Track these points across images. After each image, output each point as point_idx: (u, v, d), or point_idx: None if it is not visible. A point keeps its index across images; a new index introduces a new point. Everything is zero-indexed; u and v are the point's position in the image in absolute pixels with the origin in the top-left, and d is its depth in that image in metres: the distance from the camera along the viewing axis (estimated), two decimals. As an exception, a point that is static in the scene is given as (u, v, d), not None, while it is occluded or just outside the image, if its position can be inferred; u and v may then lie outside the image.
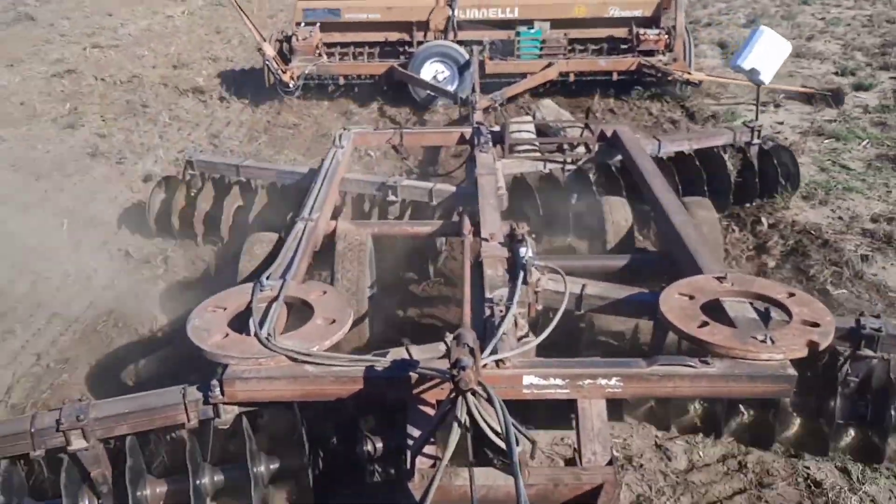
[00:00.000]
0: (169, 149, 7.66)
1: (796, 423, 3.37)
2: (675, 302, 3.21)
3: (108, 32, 13.33)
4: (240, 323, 3.17)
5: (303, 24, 9.17)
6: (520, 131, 5.95)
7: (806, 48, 11.19)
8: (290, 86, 8.72)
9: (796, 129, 7.88)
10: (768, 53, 6.11)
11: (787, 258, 5.21)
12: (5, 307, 4.88)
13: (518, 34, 8.98)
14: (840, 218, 5.86)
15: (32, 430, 2.71)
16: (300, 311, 3.38)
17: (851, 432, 3.33)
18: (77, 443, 2.74)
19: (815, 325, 2.98)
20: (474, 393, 2.41)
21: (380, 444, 2.97)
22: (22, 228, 5.79)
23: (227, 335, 3.04)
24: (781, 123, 8.08)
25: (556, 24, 9.09)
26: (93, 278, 5.22)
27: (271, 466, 3.00)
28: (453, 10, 9.02)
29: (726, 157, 5.80)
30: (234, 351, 2.93)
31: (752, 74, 6.14)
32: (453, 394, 2.44)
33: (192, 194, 5.60)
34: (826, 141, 7.49)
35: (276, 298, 3.29)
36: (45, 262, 5.34)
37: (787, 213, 5.86)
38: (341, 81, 9.30)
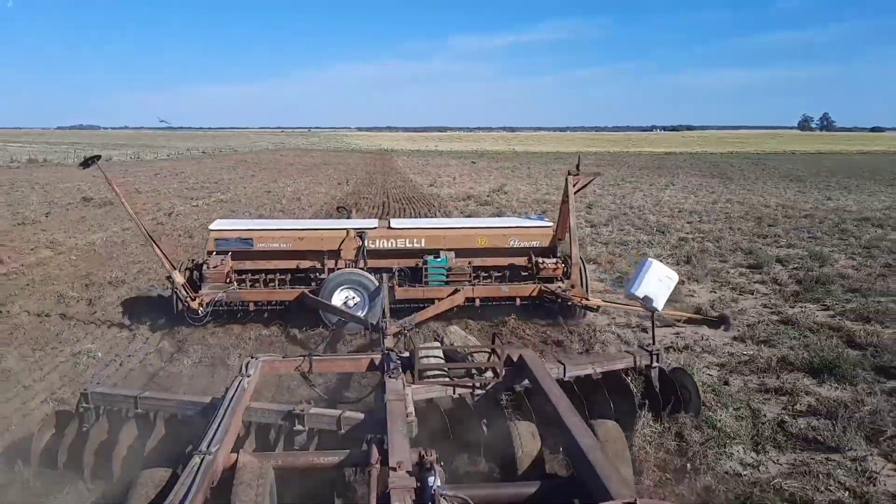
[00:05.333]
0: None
1: None
2: (587, 531, 3.13)
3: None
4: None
5: (214, 254, 9.31)
6: (429, 357, 5.99)
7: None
8: (199, 312, 8.66)
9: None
10: (659, 282, 6.55)
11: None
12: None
13: (426, 262, 9.39)
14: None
15: None
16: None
17: None
18: None
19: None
20: None
21: None
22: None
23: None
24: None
25: (461, 253, 9.61)
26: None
27: None
28: (363, 241, 9.40)
29: (629, 379, 5.97)
30: None
31: (647, 302, 6.53)
32: None
33: (84, 429, 5.27)
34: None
35: (164, 543, 3.05)
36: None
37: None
38: (251, 308, 9.36)
